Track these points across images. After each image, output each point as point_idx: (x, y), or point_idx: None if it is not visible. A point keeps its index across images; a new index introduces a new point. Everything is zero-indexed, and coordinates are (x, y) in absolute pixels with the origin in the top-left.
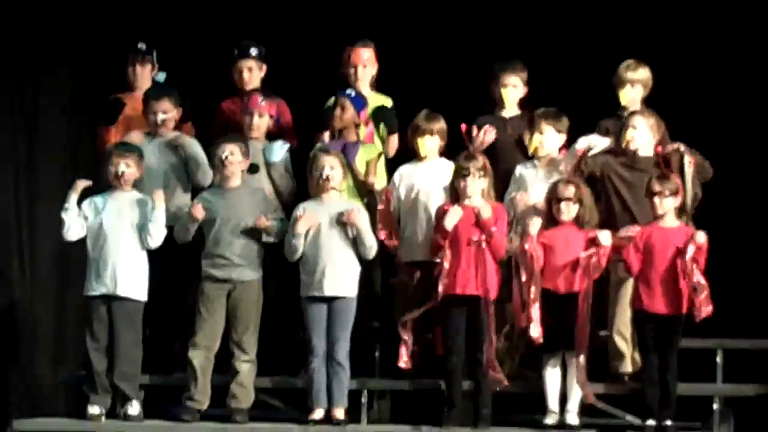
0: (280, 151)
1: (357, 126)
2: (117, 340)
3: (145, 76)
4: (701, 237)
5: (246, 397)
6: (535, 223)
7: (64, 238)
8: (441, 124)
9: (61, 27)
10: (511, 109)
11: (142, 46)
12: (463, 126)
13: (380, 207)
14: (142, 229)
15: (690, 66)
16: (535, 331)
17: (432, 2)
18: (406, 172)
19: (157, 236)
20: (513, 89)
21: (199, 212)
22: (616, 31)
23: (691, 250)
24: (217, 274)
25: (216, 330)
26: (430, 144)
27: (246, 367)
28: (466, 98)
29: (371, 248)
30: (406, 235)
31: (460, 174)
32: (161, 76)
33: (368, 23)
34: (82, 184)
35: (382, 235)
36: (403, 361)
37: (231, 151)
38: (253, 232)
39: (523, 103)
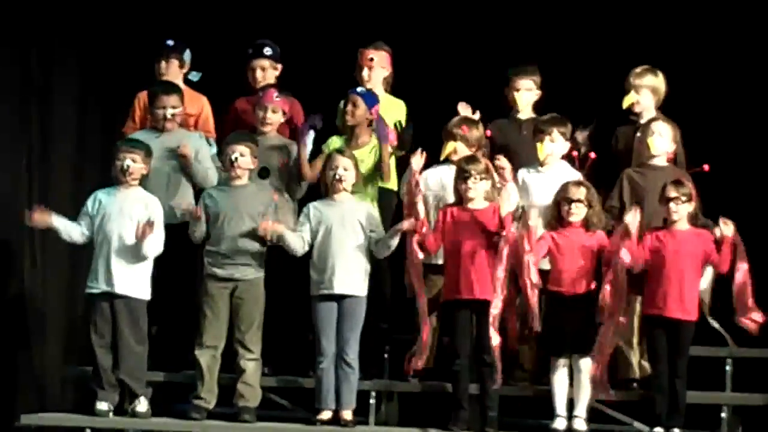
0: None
1: (369, 123)
2: (120, 338)
3: (171, 72)
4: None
5: (253, 396)
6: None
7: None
8: (467, 131)
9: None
10: (525, 112)
11: (169, 42)
12: (465, 129)
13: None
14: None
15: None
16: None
17: (455, 6)
18: (433, 174)
19: (152, 249)
20: (526, 93)
21: (196, 213)
22: (632, 36)
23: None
24: (219, 273)
25: (221, 329)
26: (450, 148)
27: (251, 365)
28: (485, 102)
29: (389, 248)
30: None
31: (461, 176)
32: (195, 76)
33: (387, 25)
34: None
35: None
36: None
37: (241, 153)
38: (256, 230)
39: (537, 106)
